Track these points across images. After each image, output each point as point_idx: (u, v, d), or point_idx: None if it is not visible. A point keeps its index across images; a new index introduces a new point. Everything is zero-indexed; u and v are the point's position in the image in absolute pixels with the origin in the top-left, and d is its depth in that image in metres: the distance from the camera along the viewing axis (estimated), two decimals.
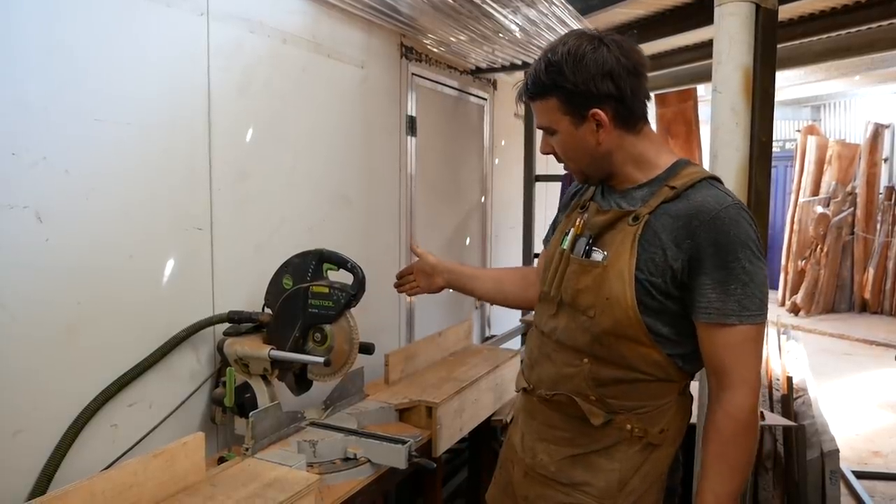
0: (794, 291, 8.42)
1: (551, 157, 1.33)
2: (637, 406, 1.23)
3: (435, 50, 2.90)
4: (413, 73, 2.80)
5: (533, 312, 1.46)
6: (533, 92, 1.25)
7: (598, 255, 1.24)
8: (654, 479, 1.27)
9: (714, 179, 1.22)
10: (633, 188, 1.26)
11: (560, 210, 1.48)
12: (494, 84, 3.71)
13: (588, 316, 1.23)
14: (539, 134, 1.33)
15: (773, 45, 1.58)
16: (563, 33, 1.42)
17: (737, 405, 1.16)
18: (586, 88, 1.17)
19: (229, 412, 1.77)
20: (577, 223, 1.32)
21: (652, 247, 1.17)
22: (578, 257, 1.27)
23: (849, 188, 8.33)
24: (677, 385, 1.25)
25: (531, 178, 3.69)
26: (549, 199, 4.04)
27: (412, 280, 1.75)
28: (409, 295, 1.80)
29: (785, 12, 2.99)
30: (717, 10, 1.56)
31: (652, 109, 5.63)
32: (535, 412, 1.37)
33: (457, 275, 1.71)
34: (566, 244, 1.32)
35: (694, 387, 1.60)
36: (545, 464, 1.32)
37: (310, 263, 1.77)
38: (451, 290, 1.74)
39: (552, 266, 1.35)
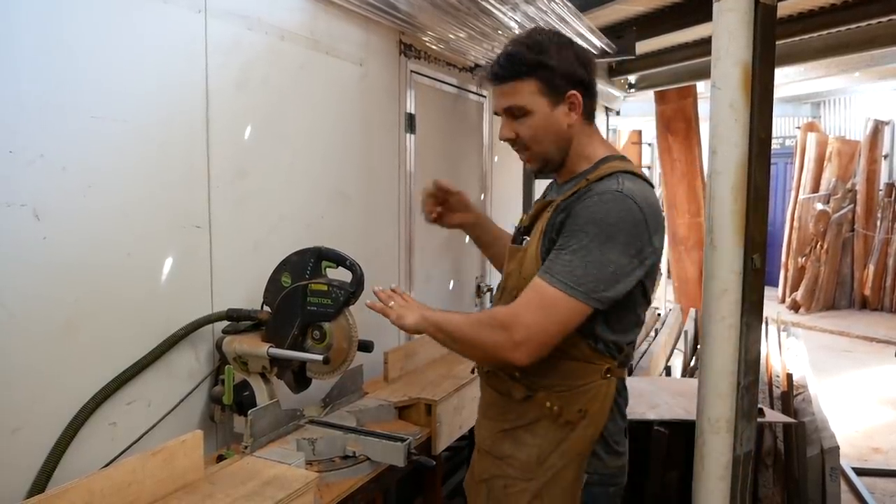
0: (795, 288, 8.42)
1: None
2: (556, 384, 1.29)
3: (434, 47, 2.90)
4: (412, 71, 2.80)
5: None
6: (512, 72, 1.28)
7: (524, 242, 1.36)
8: (573, 457, 1.30)
9: (625, 173, 1.26)
10: (566, 182, 1.36)
11: None
12: None
13: (513, 296, 1.30)
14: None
15: (772, 42, 1.58)
16: (561, 30, 1.44)
17: (497, 309, 1.28)
18: (569, 70, 1.27)
19: (228, 410, 1.77)
20: (523, 217, 1.43)
21: (553, 229, 1.27)
22: (512, 245, 1.41)
23: (849, 185, 8.33)
24: (597, 368, 1.29)
25: (530, 175, 3.68)
26: None
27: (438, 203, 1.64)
28: (430, 217, 1.65)
29: (784, 8, 2.98)
30: (715, 6, 1.55)
31: (652, 106, 5.62)
32: (483, 391, 1.47)
33: (478, 224, 1.68)
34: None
35: (692, 382, 1.60)
36: (485, 438, 1.42)
37: (308, 261, 1.77)
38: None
39: (505, 258, 1.47)
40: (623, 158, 1.33)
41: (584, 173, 1.32)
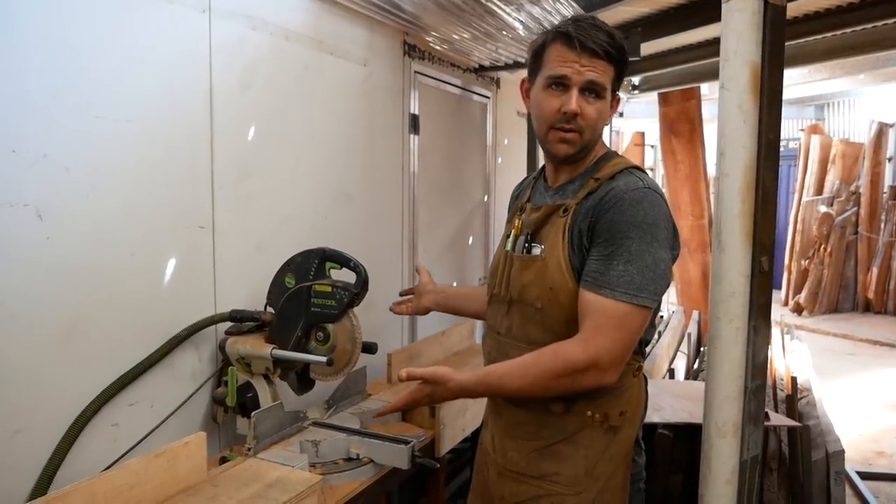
0: (798, 291, 8.40)
1: None
2: (595, 392, 1.25)
3: (438, 48, 2.89)
4: (416, 71, 2.79)
5: None
6: (610, 52, 1.25)
7: (536, 250, 1.31)
8: (620, 461, 1.30)
9: (635, 168, 1.29)
10: (566, 183, 1.33)
11: (507, 221, 1.54)
12: (497, 82, 3.69)
13: (536, 308, 1.28)
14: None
15: (781, 42, 1.56)
16: None
17: (569, 353, 1.18)
18: (623, 74, 1.30)
19: (231, 412, 1.76)
20: (517, 224, 1.38)
21: (577, 235, 1.25)
22: (520, 254, 1.34)
23: (852, 187, 8.31)
24: (629, 368, 1.29)
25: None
26: None
27: (411, 298, 1.86)
28: (397, 313, 1.89)
29: (790, 10, 2.97)
30: (724, 7, 1.54)
31: (655, 108, 5.61)
32: (501, 411, 1.41)
33: (444, 295, 1.80)
34: (509, 246, 1.39)
35: (696, 385, 1.59)
36: (516, 460, 1.35)
37: (312, 262, 1.76)
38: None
39: (499, 269, 1.41)
40: (618, 154, 1.35)
41: (586, 173, 1.31)
